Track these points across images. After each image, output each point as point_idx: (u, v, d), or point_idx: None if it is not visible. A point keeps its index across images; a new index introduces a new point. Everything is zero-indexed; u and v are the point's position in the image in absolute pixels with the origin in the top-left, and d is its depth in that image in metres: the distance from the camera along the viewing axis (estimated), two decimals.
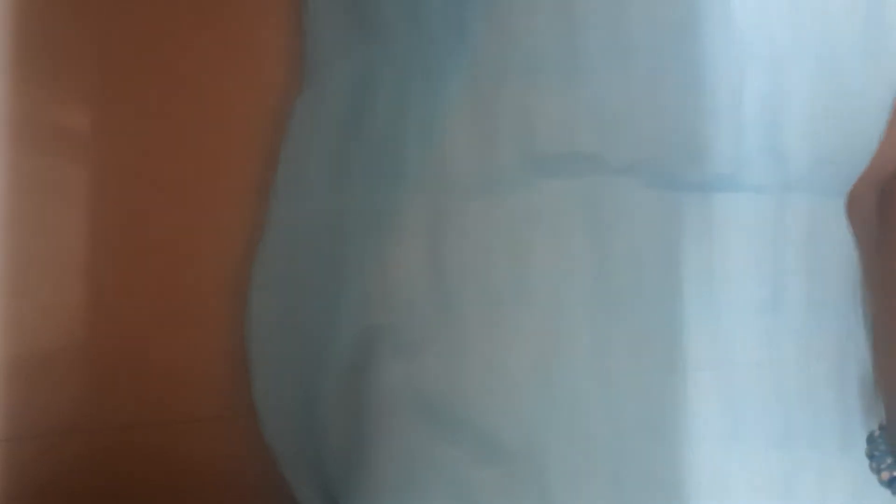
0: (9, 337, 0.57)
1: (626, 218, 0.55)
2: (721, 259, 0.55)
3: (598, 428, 0.54)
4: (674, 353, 0.54)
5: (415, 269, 0.56)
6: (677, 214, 0.55)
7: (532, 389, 0.54)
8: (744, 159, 0.55)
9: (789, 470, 0.53)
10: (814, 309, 0.55)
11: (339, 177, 0.59)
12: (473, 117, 0.56)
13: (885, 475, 0.52)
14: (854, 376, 0.55)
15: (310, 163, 0.59)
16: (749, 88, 0.55)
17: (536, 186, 0.55)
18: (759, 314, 0.54)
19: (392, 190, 0.57)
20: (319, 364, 0.58)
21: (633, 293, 0.54)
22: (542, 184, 0.55)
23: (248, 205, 0.61)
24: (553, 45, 0.56)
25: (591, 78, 0.55)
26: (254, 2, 0.62)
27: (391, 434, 0.55)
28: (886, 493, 0.54)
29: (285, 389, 0.59)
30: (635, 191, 0.55)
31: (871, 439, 0.53)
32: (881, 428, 0.53)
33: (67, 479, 0.58)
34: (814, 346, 0.54)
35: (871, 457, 0.52)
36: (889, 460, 0.52)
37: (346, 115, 0.59)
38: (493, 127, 0.56)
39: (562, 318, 0.54)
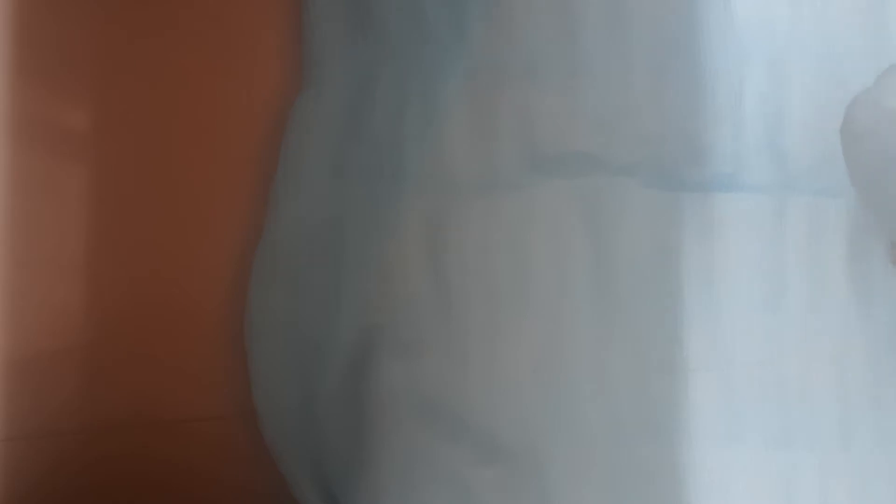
0: (9, 337, 0.57)
1: (625, 218, 0.55)
2: (721, 259, 0.55)
3: (598, 427, 0.54)
4: (674, 353, 0.54)
5: (415, 269, 0.56)
6: (677, 214, 0.55)
7: (532, 389, 0.54)
8: (744, 159, 0.55)
9: (789, 470, 0.53)
10: (814, 309, 0.55)
11: (339, 176, 0.59)
12: (473, 117, 0.56)
13: None
14: (855, 376, 0.55)
15: (310, 163, 0.59)
16: (749, 88, 0.55)
17: (536, 186, 0.55)
18: (759, 314, 0.54)
19: (392, 190, 0.57)
20: (319, 364, 0.58)
21: (632, 293, 0.54)
22: (542, 183, 0.55)
23: (249, 204, 0.61)
24: (553, 45, 0.56)
25: (590, 78, 0.55)
26: (254, 2, 0.62)
27: (391, 434, 0.55)
28: (886, 492, 0.54)
29: (285, 389, 0.59)
30: (635, 191, 0.55)
31: None
32: None
33: (67, 479, 0.58)
34: (814, 346, 0.54)
35: None
36: None
37: (346, 115, 0.59)
38: (492, 127, 0.56)
39: (562, 318, 0.54)
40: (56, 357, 0.59)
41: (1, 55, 0.57)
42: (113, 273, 0.60)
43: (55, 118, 0.59)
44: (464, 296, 0.55)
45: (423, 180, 0.56)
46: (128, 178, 0.60)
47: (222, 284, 0.61)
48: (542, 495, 0.53)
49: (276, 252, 0.59)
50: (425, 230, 0.56)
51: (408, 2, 0.57)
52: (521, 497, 0.54)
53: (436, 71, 0.57)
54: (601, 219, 0.55)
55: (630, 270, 0.54)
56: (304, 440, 0.58)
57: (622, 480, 0.53)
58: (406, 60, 0.57)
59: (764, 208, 0.55)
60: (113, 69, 0.60)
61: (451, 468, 0.54)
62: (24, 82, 0.58)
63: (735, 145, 0.55)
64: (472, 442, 0.54)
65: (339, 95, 0.59)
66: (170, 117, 0.61)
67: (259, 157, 0.61)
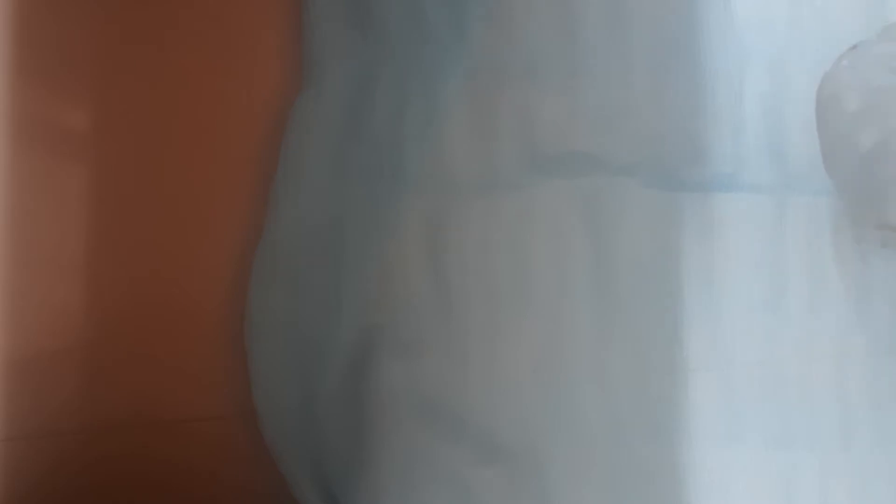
0: (9, 337, 0.57)
1: (625, 218, 0.55)
2: (721, 259, 0.55)
3: (598, 427, 0.54)
4: (673, 353, 0.54)
5: (415, 269, 0.56)
6: (677, 214, 0.55)
7: (532, 389, 0.54)
8: (744, 159, 0.55)
9: (789, 470, 0.53)
10: (814, 309, 0.55)
11: (339, 177, 0.59)
12: (473, 117, 0.56)
13: None
14: (855, 376, 0.55)
15: (310, 163, 0.59)
16: (749, 88, 0.55)
17: (536, 186, 0.55)
18: (758, 314, 0.54)
19: (392, 190, 0.57)
20: (319, 364, 0.58)
21: (632, 293, 0.54)
22: (542, 183, 0.55)
23: (249, 204, 0.61)
24: (553, 46, 0.56)
25: (590, 78, 0.55)
26: (254, 2, 0.62)
27: (391, 434, 0.55)
28: (886, 492, 0.54)
29: (285, 389, 0.59)
30: (635, 191, 0.55)
31: None
32: None
33: (67, 479, 0.58)
34: (813, 346, 0.54)
35: None
36: None
37: (346, 115, 0.59)
38: (492, 127, 0.56)
39: (562, 318, 0.54)
40: (56, 357, 0.59)
41: (1, 55, 0.57)
42: (113, 273, 0.60)
43: (55, 118, 0.59)
44: (464, 296, 0.55)
45: (423, 180, 0.56)
46: (128, 178, 0.60)
47: (222, 284, 0.61)
48: (543, 495, 0.53)
49: (276, 252, 0.59)
50: (425, 230, 0.56)
51: (408, 2, 0.57)
52: (521, 497, 0.54)
53: (436, 71, 0.57)
54: (601, 219, 0.55)
55: (630, 270, 0.54)
56: (304, 440, 0.58)
57: (622, 480, 0.53)
58: (406, 60, 0.57)
59: (764, 208, 0.55)
60: (113, 69, 0.60)
61: (451, 468, 0.54)
62: (24, 82, 0.58)
63: (735, 145, 0.55)
64: (473, 442, 0.54)
65: (339, 95, 0.59)
66: (170, 117, 0.61)
67: (259, 157, 0.61)
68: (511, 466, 0.54)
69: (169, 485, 0.59)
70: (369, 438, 0.56)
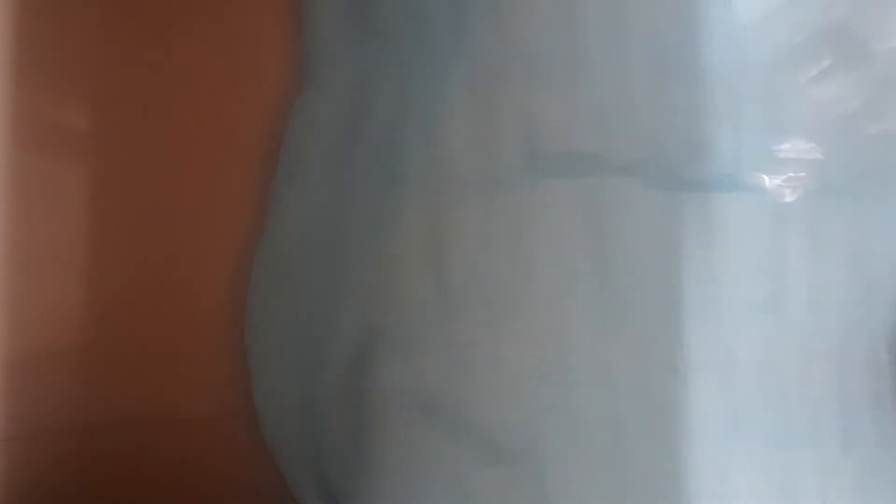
0: (8, 336, 0.57)
1: (626, 218, 0.55)
2: (721, 259, 0.54)
3: (599, 428, 0.54)
4: (674, 353, 0.54)
5: (415, 269, 0.56)
6: (677, 214, 0.55)
7: (532, 389, 0.54)
8: (744, 159, 0.55)
9: (789, 470, 0.53)
10: (814, 309, 0.55)
11: (339, 177, 0.59)
12: (474, 117, 0.56)
13: None
14: (855, 376, 0.55)
15: (310, 163, 0.59)
16: (749, 88, 0.55)
17: (537, 186, 0.55)
18: (759, 314, 0.54)
19: (392, 190, 0.57)
20: (319, 364, 0.58)
21: (633, 293, 0.54)
22: (543, 183, 0.55)
23: (248, 205, 0.61)
24: (553, 45, 0.56)
25: (591, 77, 0.55)
26: (254, 1, 0.62)
27: (391, 434, 0.55)
28: (887, 492, 0.54)
29: (285, 389, 0.59)
30: (635, 190, 0.55)
31: None
32: None
33: (67, 479, 0.58)
34: (814, 346, 0.54)
35: None
36: None
37: (346, 115, 0.59)
38: (493, 126, 0.56)
39: (562, 318, 0.54)
40: (56, 356, 0.59)
41: (1, 55, 0.57)
42: (112, 273, 0.60)
43: (55, 118, 0.59)
44: (465, 295, 0.55)
45: (423, 179, 0.56)
46: (128, 178, 0.61)
47: (222, 284, 0.61)
48: (543, 495, 0.53)
49: (277, 252, 0.59)
50: (426, 229, 0.56)
51: (408, 2, 0.57)
52: (521, 497, 0.53)
53: (436, 70, 0.57)
54: (602, 218, 0.55)
55: (631, 270, 0.54)
56: (304, 440, 0.58)
57: (623, 480, 0.53)
58: (407, 59, 0.58)
59: (764, 208, 0.55)
60: (113, 69, 0.60)
61: (452, 468, 0.54)
62: (25, 82, 0.58)
63: (735, 145, 0.55)
64: (473, 442, 0.54)
65: (340, 95, 0.59)
66: (169, 117, 0.61)
67: (259, 157, 0.61)
68: (511, 466, 0.54)
69: (168, 485, 0.59)
70: (369, 438, 0.56)
